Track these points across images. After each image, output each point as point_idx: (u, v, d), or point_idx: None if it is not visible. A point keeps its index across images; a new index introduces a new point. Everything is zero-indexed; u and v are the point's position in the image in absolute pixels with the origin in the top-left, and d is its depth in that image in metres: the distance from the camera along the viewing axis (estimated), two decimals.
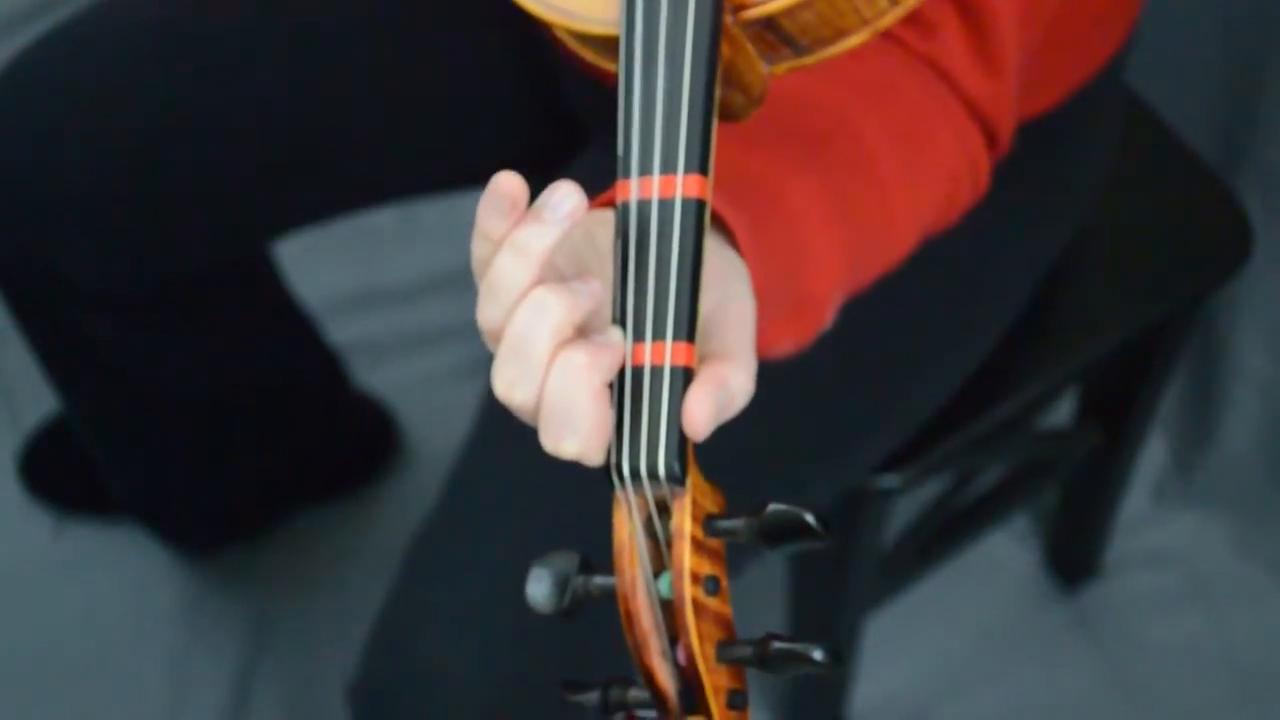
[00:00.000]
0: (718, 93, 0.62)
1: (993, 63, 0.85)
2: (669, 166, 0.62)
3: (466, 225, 2.05)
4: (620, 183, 0.63)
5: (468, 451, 1.09)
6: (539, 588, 0.64)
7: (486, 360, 1.95)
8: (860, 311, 0.90)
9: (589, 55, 0.68)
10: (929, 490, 1.52)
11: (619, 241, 0.62)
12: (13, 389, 1.75)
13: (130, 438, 1.47)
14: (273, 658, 1.61)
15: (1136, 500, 1.67)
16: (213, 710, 1.59)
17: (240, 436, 1.50)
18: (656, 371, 0.61)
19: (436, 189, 1.30)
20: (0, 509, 1.69)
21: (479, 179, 1.44)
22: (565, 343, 0.61)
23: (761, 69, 0.65)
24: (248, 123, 1.17)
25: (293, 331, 1.53)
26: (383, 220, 1.81)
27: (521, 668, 1.02)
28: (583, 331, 0.62)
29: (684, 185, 0.62)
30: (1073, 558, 1.65)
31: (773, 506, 0.61)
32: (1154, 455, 1.69)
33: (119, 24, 1.18)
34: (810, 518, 0.60)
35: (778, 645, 0.61)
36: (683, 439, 0.61)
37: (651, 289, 0.61)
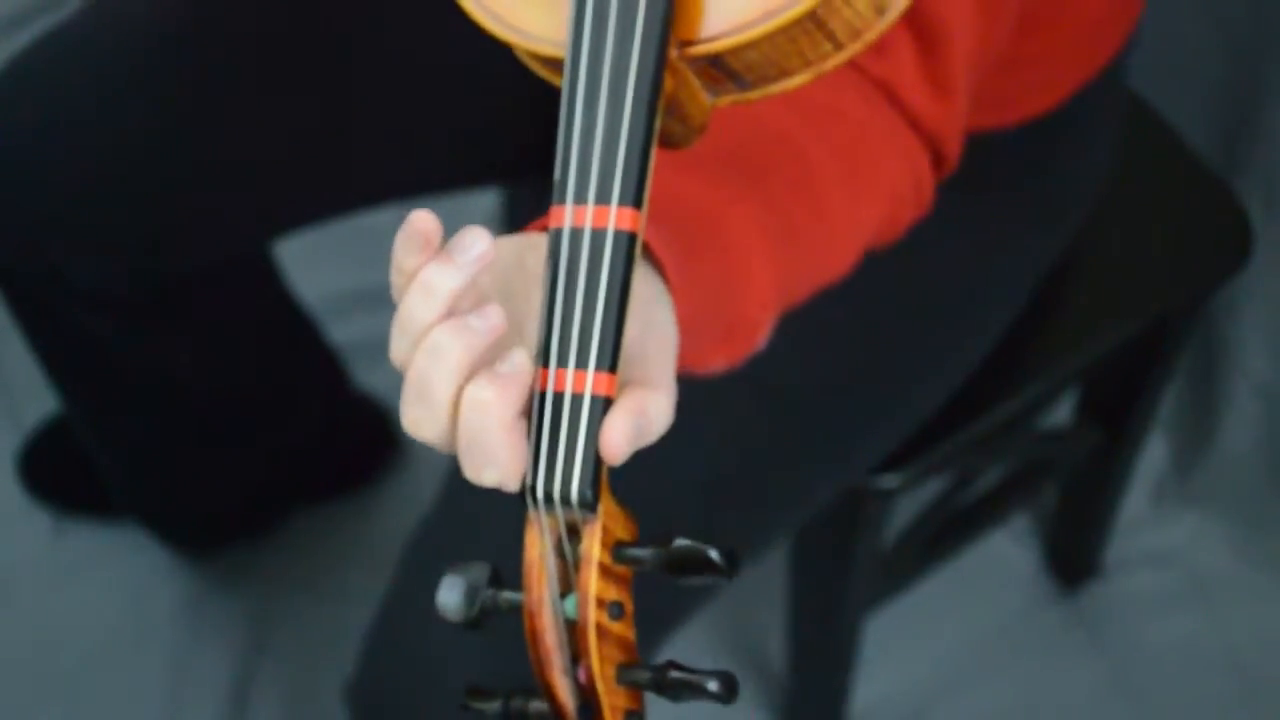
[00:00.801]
0: (658, 125, 0.63)
1: (942, 83, 0.85)
2: (603, 198, 0.62)
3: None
4: (554, 208, 0.63)
5: None
6: (450, 595, 0.65)
7: None
8: (862, 311, 0.90)
9: (544, 73, 0.69)
10: (929, 490, 1.52)
11: (548, 267, 0.63)
12: (13, 389, 1.75)
13: (130, 438, 1.47)
14: (272, 658, 1.62)
15: (1136, 500, 1.67)
16: (212, 710, 1.59)
17: (240, 436, 1.50)
18: (576, 399, 0.61)
19: (436, 189, 1.30)
20: (0, 509, 1.69)
21: (479, 179, 1.45)
22: (468, 379, 0.61)
23: (704, 101, 0.65)
24: (247, 123, 1.17)
25: (293, 331, 1.53)
26: (383, 220, 1.80)
27: (519, 668, 1.02)
28: (491, 354, 0.62)
29: (616, 218, 0.62)
30: (1073, 558, 1.65)
31: (679, 540, 0.62)
32: (1154, 455, 1.69)
33: (118, 24, 1.18)
34: (714, 554, 0.61)
35: (675, 674, 0.62)
36: (597, 467, 0.62)
37: (577, 317, 0.62)
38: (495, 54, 1.20)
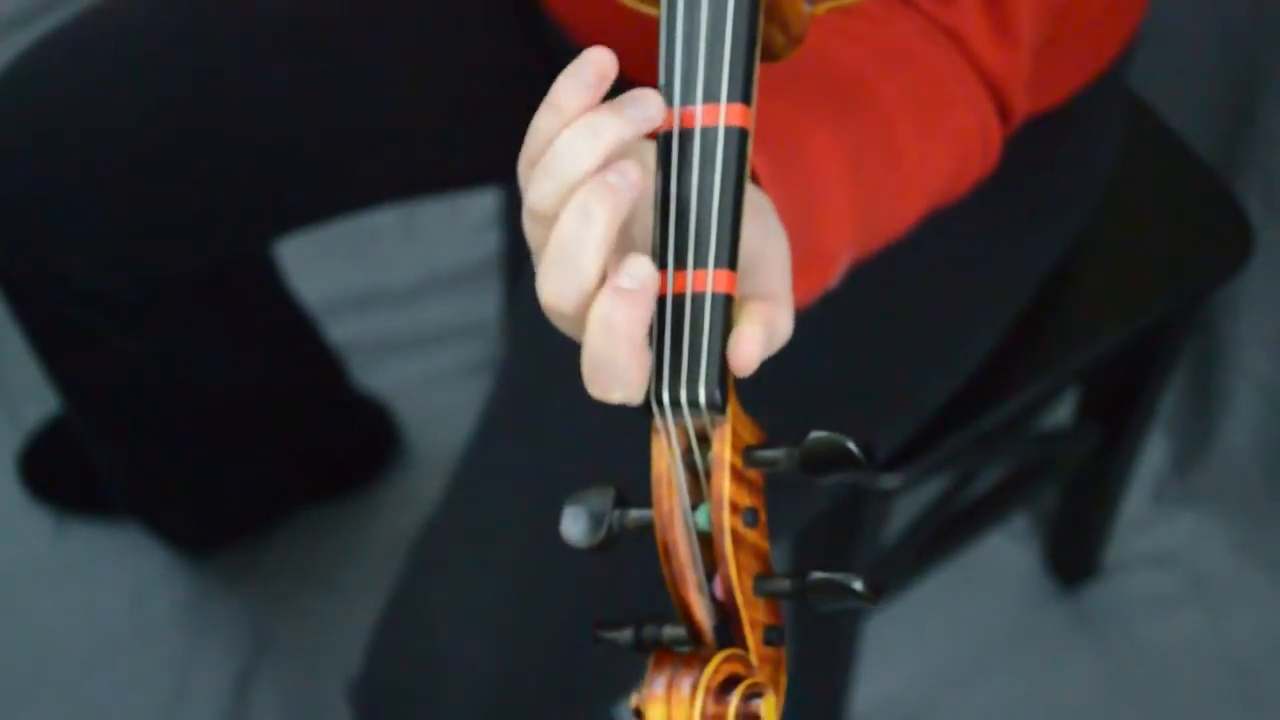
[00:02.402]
0: (761, 24, 0.62)
1: (1008, 33, 0.85)
2: (711, 96, 0.62)
3: (466, 225, 2.06)
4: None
5: (472, 448, 1.09)
6: (575, 525, 0.63)
7: (487, 360, 1.94)
8: (863, 310, 0.90)
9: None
10: (929, 490, 1.52)
11: (660, 171, 0.62)
12: (13, 389, 1.75)
13: (130, 437, 1.47)
14: (273, 657, 1.61)
15: (1136, 500, 1.67)
16: (213, 710, 1.59)
17: (240, 436, 1.50)
18: (698, 299, 0.61)
19: (436, 189, 1.30)
20: (0, 509, 1.69)
21: (479, 179, 1.45)
22: (609, 262, 0.60)
23: (803, 7, 0.65)
24: (247, 123, 1.17)
25: (293, 331, 1.53)
26: (383, 220, 1.81)
27: (524, 664, 1.02)
28: (624, 233, 0.62)
29: (726, 114, 0.62)
30: (1073, 558, 1.65)
31: (814, 434, 0.61)
32: (1154, 455, 1.69)
33: (119, 25, 1.18)
34: (852, 445, 0.60)
35: (817, 575, 0.61)
36: (724, 367, 0.61)
37: (693, 217, 0.61)
38: (496, 54, 1.20)
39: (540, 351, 1.08)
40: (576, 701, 1.07)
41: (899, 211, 0.85)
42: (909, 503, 1.53)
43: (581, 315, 0.61)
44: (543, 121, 0.62)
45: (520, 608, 1.03)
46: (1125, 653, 1.62)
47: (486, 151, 1.25)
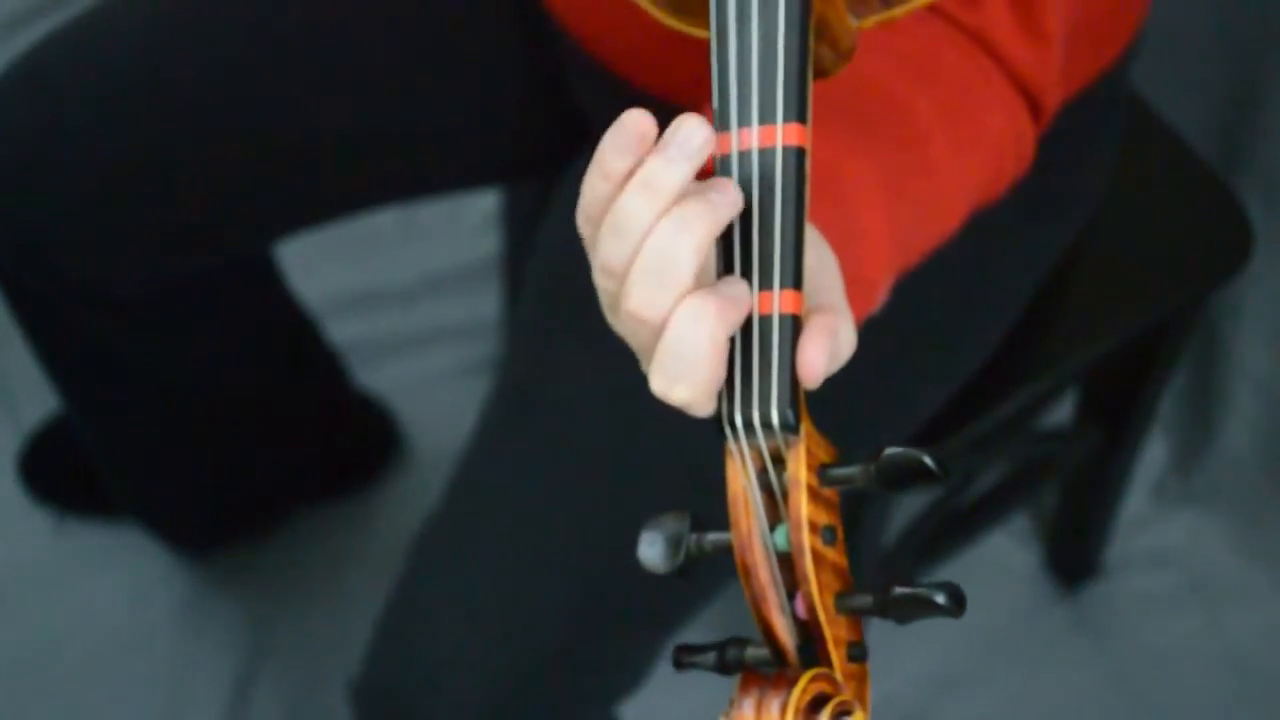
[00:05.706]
0: (811, 44, 0.63)
1: (1037, 29, 0.85)
2: (768, 117, 0.62)
3: (466, 225, 2.06)
4: (719, 136, 0.63)
5: (471, 448, 1.09)
6: (651, 550, 0.63)
7: (487, 360, 1.94)
8: None
9: (670, 20, 0.68)
10: (929, 490, 1.52)
11: None
12: (13, 389, 1.75)
13: (131, 438, 1.47)
14: (273, 658, 1.62)
15: (1136, 500, 1.67)
16: (213, 710, 1.59)
17: (241, 436, 1.50)
18: (766, 320, 0.61)
19: (436, 189, 1.30)
20: (0, 509, 1.69)
21: (480, 179, 1.45)
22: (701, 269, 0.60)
23: (850, 23, 0.65)
24: (248, 123, 1.17)
25: (293, 331, 1.53)
26: (383, 220, 1.81)
27: (524, 665, 1.02)
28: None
29: (784, 134, 0.62)
30: (1073, 558, 1.65)
31: (889, 450, 0.61)
32: (1154, 455, 1.69)
33: (119, 26, 1.18)
34: (929, 459, 0.60)
35: (900, 590, 0.61)
36: (795, 387, 0.61)
37: (756, 238, 0.62)
38: (498, 55, 1.20)
39: (540, 351, 1.08)
40: (576, 702, 1.07)
41: (937, 225, 0.85)
42: (909, 503, 1.53)
43: (661, 329, 0.60)
44: (594, 186, 0.62)
45: (520, 608, 1.03)
46: (1125, 653, 1.62)
47: (487, 152, 1.25)
